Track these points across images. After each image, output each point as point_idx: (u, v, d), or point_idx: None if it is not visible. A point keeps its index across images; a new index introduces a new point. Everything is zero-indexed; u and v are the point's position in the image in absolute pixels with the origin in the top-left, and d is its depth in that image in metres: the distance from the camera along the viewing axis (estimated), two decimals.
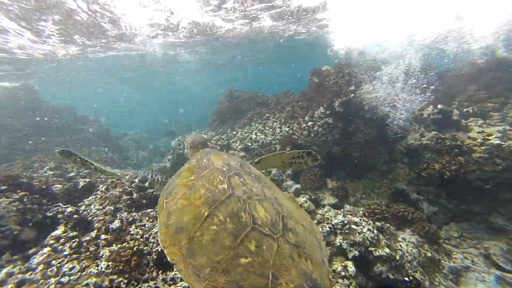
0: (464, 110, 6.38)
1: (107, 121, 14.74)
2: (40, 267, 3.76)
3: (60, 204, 4.81)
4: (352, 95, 7.09)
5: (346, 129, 7.36)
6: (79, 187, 5.44)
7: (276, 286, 1.77)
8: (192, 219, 2.06)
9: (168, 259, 1.92)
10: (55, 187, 5.18)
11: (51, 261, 3.89)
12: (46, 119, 10.77)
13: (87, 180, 5.66)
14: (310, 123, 7.57)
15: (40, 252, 3.99)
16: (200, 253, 1.90)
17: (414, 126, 6.73)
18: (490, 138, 5.43)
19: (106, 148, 11.31)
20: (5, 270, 3.61)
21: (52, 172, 6.86)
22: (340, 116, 7.33)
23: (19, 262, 3.85)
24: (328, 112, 7.48)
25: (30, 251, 4.05)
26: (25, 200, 4.24)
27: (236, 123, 10.30)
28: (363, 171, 7.60)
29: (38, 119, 10.68)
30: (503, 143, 5.24)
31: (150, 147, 16.20)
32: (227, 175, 2.29)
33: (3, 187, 4.19)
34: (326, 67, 8.15)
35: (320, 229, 5.20)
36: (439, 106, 6.41)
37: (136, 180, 3.27)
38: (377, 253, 4.66)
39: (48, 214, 4.53)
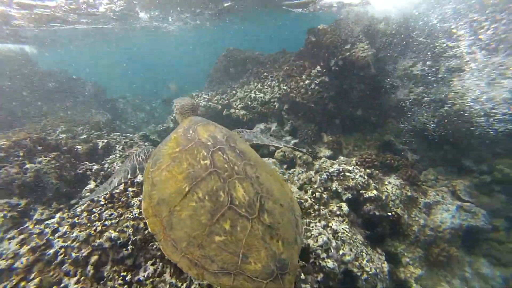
0: (450, 66, 6.87)
1: (101, 84, 14.59)
2: (84, 214, 4.43)
3: (86, 162, 5.35)
4: (348, 53, 7.40)
5: (341, 87, 7.80)
6: (99, 147, 5.93)
7: (245, 265, 1.89)
8: (173, 192, 2.15)
9: (149, 229, 2.09)
10: (77, 148, 5.65)
11: (92, 209, 4.56)
12: (45, 83, 10.73)
13: (105, 141, 6.13)
14: (307, 82, 7.95)
15: (80, 202, 4.64)
16: (178, 227, 2.01)
17: (404, 83, 7.24)
18: (468, 91, 6.04)
19: (108, 114, 11.52)
20: (58, 215, 4.28)
21: (65, 135, 7.23)
22: (336, 74, 7.71)
23: (65, 210, 4.50)
24: (324, 70, 7.83)
25: (71, 202, 4.70)
26: (59, 159, 4.75)
27: (235, 83, 10.55)
28: (356, 126, 8.26)
29: (35, 83, 10.63)
30: (478, 96, 5.88)
31: (147, 108, 16.37)
32: (210, 151, 2.32)
33: (40, 147, 4.65)
34: (322, 25, 8.26)
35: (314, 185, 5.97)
36: (428, 63, 6.86)
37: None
38: (367, 195, 5.52)
39: (79, 171, 5.10)
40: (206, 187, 2.10)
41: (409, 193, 5.77)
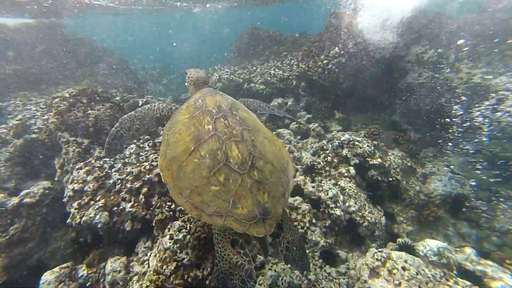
0: (459, 54, 7.45)
1: (123, 53, 15.23)
2: (133, 156, 5.29)
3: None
4: (367, 37, 7.98)
5: (356, 68, 8.44)
6: (139, 105, 6.73)
7: (234, 209, 2.29)
8: (182, 151, 2.58)
9: (163, 180, 2.60)
10: (123, 103, 6.45)
11: (139, 152, 5.42)
12: (77, 48, 11.47)
13: (144, 99, 6.92)
14: (325, 62, 8.58)
15: (129, 147, 5.49)
16: (184, 179, 2.46)
17: (414, 67, 7.85)
18: (472, 78, 6.68)
19: (132, 82, 12.27)
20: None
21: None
22: (352, 56, 8.33)
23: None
24: (342, 52, 8.44)
25: (123, 146, 5.55)
26: (111, 109, 5.56)
27: (256, 60, 11.17)
28: (367, 106, 8.95)
29: (69, 48, 11.36)
30: (481, 82, 6.53)
31: (164, 81, 17.05)
32: (214, 117, 2.67)
33: (98, 98, 5.45)
34: (344, 9, 8.78)
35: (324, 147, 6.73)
36: (439, 50, 7.44)
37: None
38: (372, 162, 6.31)
39: None
40: (207, 147, 2.49)
41: (409, 164, 6.56)
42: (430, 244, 4.47)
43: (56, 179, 5.57)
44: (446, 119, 6.90)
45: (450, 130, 7.03)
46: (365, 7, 8.58)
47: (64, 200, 4.74)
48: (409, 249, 4.54)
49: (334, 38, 8.90)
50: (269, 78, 9.47)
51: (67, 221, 4.47)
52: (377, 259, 4.10)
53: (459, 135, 7.12)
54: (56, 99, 5.07)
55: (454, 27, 8.13)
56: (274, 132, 7.89)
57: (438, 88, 7.19)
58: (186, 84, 3.78)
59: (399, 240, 4.90)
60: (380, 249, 4.33)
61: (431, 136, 7.48)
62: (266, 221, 2.33)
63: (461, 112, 6.69)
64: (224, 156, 2.41)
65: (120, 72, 13.01)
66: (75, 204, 4.54)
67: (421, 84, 7.53)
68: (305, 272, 4.15)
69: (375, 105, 8.76)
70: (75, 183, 4.67)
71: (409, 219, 6.06)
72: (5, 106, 7.18)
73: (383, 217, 5.64)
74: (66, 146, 5.01)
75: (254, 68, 10.12)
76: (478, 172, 6.40)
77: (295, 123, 8.29)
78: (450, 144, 7.04)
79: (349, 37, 8.30)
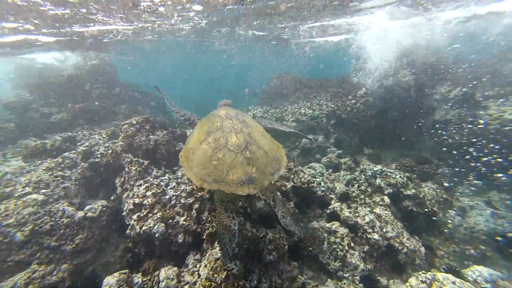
0: (486, 93, 7.86)
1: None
2: (185, 177, 5.90)
3: (180, 143, 6.97)
4: (391, 78, 8.69)
5: (383, 107, 9.01)
6: (187, 135, 7.59)
7: (227, 176, 3.02)
8: (196, 142, 3.50)
9: (180, 163, 3.55)
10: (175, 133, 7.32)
11: None
12: (126, 91, 13.33)
13: (191, 130, 7.79)
14: (353, 101, 9.27)
15: (181, 169, 6.15)
16: (194, 159, 3.32)
17: (441, 105, 8.29)
18: (504, 114, 6.96)
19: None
20: (167, 175, 5.79)
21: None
22: (379, 95, 8.98)
23: (171, 174, 6.03)
24: (369, 92, 9.14)
25: (174, 168, 6.24)
26: (168, 135, 6.40)
27: (286, 101, 12.17)
28: (395, 142, 9.27)
29: (117, 90, 13.18)
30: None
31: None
32: (222, 119, 3.63)
33: (156, 125, 6.36)
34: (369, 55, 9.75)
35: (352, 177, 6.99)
36: (464, 89, 7.91)
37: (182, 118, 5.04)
38: (406, 193, 6.47)
39: (177, 148, 6.69)
40: (213, 136, 3.36)
41: (444, 196, 6.61)
42: (480, 270, 4.37)
43: (112, 198, 6.25)
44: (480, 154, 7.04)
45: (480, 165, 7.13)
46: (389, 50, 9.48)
47: (124, 213, 5.30)
48: (456, 274, 4.47)
49: (360, 80, 9.72)
50: (299, 117, 10.22)
51: (127, 232, 4.95)
52: (421, 281, 4.12)
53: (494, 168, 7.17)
54: (125, 125, 5.99)
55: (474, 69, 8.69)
56: (305, 166, 8.34)
57: (466, 124, 7.48)
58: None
59: (444, 265, 4.84)
60: (423, 272, 4.34)
61: (461, 171, 7.55)
62: (250, 185, 3.01)
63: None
64: (225, 141, 3.25)
65: (160, 113, 14.53)
66: (134, 216, 5.07)
67: (449, 121, 7.86)
68: None
69: (404, 142, 9.06)
70: (136, 198, 5.28)
71: (450, 253, 5.92)
72: (74, 135, 8.36)
73: (422, 247, 5.61)
74: (129, 165, 5.75)
75: (285, 108, 11.00)
76: None
77: (326, 157, 8.70)
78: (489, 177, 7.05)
79: (375, 79, 9.06)
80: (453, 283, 3.85)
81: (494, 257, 5.88)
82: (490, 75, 8.53)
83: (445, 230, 6.15)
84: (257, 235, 4.81)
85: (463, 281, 3.91)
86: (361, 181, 6.84)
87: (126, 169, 5.74)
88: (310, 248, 5.23)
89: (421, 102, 8.61)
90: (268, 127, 4.91)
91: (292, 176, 6.69)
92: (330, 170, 8.51)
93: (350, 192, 6.50)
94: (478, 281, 4.22)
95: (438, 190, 6.74)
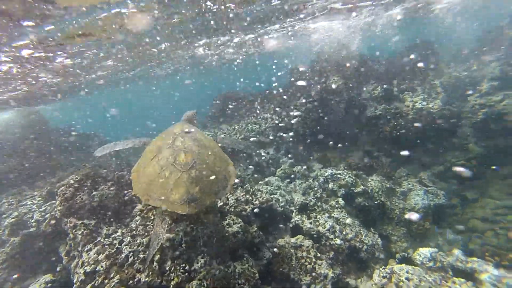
0: (400, 87, 9.01)
1: (103, 133, 15.89)
2: (141, 227, 5.54)
3: (130, 190, 6.54)
4: (324, 85, 9.42)
5: (323, 112, 9.69)
6: None
7: (171, 195, 3.14)
8: (148, 157, 3.67)
9: (131, 177, 3.68)
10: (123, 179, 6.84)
11: (145, 222, 5.69)
12: (59, 139, 11.95)
13: None
14: (294, 111, 9.79)
15: (134, 220, 5.75)
16: (143, 176, 3.48)
17: (370, 102, 9.24)
18: (416, 104, 8.08)
19: (114, 158, 12.72)
20: (120, 230, 5.38)
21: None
22: (317, 102, 9.64)
23: (123, 227, 5.61)
24: (307, 100, 9.75)
25: (126, 221, 5.82)
26: (113, 187, 5.96)
27: (232, 119, 12.27)
28: (339, 142, 10.00)
29: (51, 140, 11.82)
30: (423, 106, 7.94)
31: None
32: (175, 136, 3.72)
33: (99, 179, 5.85)
34: (301, 66, 10.44)
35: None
36: (385, 86, 8.96)
37: None
38: (356, 190, 7.01)
39: (126, 197, 6.27)
40: (163, 154, 3.48)
41: (388, 185, 7.34)
42: (424, 252, 4.98)
43: (58, 269, 5.58)
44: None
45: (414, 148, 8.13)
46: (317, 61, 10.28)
47: (75, 286, 4.77)
48: (408, 261, 5.00)
49: (299, 90, 10.32)
50: (248, 134, 10.42)
51: None
52: (383, 277, 4.51)
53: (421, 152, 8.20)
54: (62, 187, 5.40)
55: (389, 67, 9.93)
56: (262, 181, 8.52)
57: (394, 116, 8.46)
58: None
59: (397, 255, 5.36)
60: (383, 267, 4.75)
61: (399, 158, 8.50)
62: (191, 204, 3.15)
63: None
64: (173, 160, 3.35)
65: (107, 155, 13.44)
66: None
67: (379, 116, 8.80)
68: None
69: (347, 140, 9.84)
70: (87, 265, 4.79)
71: (401, 236, 6.59)
72: None
73: (379, 238, 6.14)
74: (73, 230, 5.20)
75: (233, 127, 11.12)
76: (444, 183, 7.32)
77: (280, 169, 9.01)
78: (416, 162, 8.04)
79: (311, 87, 9.71)
80: (407, 272, 4.31)
81: (432, 228, 6.74)
82: (401, 71, 9.84)
83: (394, 216, 6.82)
84: (226, 272, 4.75)
85: (413, 267, 4.40)
86: (315, 188, 7.23)
87: (71, 235, 5.18)
88: (281, 268, 5.34)
89: (353, 102, 9.47)
90: (225, 146, 4.96)
91: (251, 197, 6.77)
92: (287, 181, 8.82)
93: (307, 202, 6.81)
94: (424, 262, 4.80)
95: (383, 181, 7.44)
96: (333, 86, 9.10)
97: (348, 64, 9.57)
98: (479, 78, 9.33)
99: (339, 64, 9.73)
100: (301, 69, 10.31)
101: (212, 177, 3.43)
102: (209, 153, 3.71)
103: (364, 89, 9.57)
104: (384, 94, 8.98)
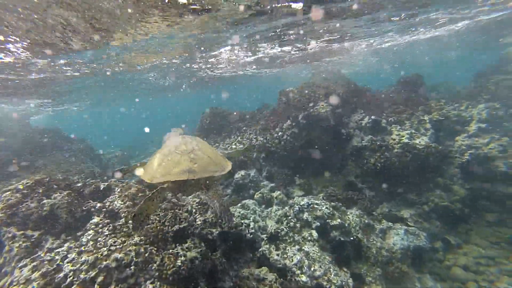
0: (389, 119, 8.83)
1: (90, 140, 15.56)
2: (91, 242, 5.06)
3: (90, 201, 6.11)
4: (312, 110, 9.24)
5: (308, 137, 9.44)
6: (101, 189, 6.72)
7: (173, 169, 3.60)
8: (153, 159, 4.06)
9: (138, 174, 4.09)
10: (83, 189, 6.43)
11: (97, 238, 5.21)
12: (39, 139, 11.52)
13: (106, 184, 6.95)
14: (280, 133, 9.55)
15: (86, 234, 5.28)
16: (150, 167, 3.94)
17: (357, 132, 9.03)
18: (402, 138, 7.85)
19: (96, 166, 12.29)
20: (67, 244, 4.90)
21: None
22: (303, 127, 9.42)
23: (73, 241, 5.12)
24: (294, 123, 9.54)
25: (78, 234, 5.34)
26: (70, 196, 5.53)
27: (218, 136, 11.99)
28: (323, 170, 9.69)
29: (28, 139, 11.40)
30: (409, 141, 7.69)
31: (132, 163, 17.12)
32: (174, 139, 4.31)
33: (55, 186, 5.43)
34: (291, 88, 10.32)
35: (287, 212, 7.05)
36: (373, 117, 8.78)
37: None
38: (332, 223, 6.60)
39: (84, 208, 5.83)
40: (166, 149, 4.01)
41: (366, 221, 6.93)
42: None
43: None
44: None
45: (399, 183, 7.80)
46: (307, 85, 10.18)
47: None
48: None
49: (286, 112, 10.14)
50: (230, 152, 10.09)
51: None
52: None
53: (407, 188, 7.87)
54: (7, 192, 4.98)
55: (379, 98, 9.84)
56: (239, 204, 8.10)
57: (380, 149, 8.21)
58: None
59: None
60: None
61: (383, 192, 8.15)
62: (190, 173, 3.57)
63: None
64: (174, 149, 3.90)
65: (85, 159, 13.02)
66: None
67: (364, 146, 8.55)
68: None
69: (331, 168, 9.53)
70: (14, 286, 4.26)
71: (376, 277, 6.09)
72: None
73: (350, 278, 5.65)
74: (10, 242, 4.72)
75: (217, 144, 10.83)
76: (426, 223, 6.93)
77: (259, 193, 8.61)
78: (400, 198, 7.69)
79: (298, 111, 9.53)
80: None
81: (410, 272, 6.27)
82: (391, 102, 9.74)
83: (370, 256, 6.36)
84: None
85: None
86: (289, 217, 6.81)
87: (6, 248, 4.69)
88: None
89: (340, 130, 9.26)
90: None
91: (220, 220, 6.34)
92: (263, 206, 8.39)
93: (279, 231, 6.37)
94: None
95: (362, 215, 7.04)
96: (321, 111, 8.92)
97: (337, 90, 9.46)
98: (468, 118, 9.22)
99: (329, 90, 9.63)
100: (290, 90, 10.18)
101: (209, 161, 3.87)
102: (207, 148, 4.27)
103: (352, 118, 9.40)
104: (372, 125, 8.80)
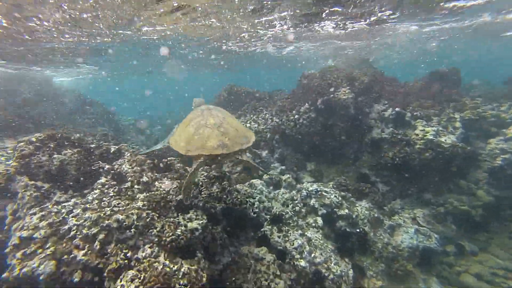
0: (414, 113, 8.24)
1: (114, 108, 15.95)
2: (96, 201, 5.15)
3: (99, 162, 6.18)
4: (332, 95, 8.79)
5: (325, 123, 9.05)
6: (111, 152, 6.79)
7: (206, 143, 3.88)
8: (183, 128, 4.49)
9: (170, 145, 4.44)
10: (93, 149, 6.51)
11: (102, 198, 5.29)
12: (61, 100, 11.86)
13: (116, 147, 7.01)
14: (296, 116, 9.21)
15: (92, 192, 5.38)
16: (181, 138, 4.26)
17: (378, 123, 8.53)
18: (427, 135, 7.30)
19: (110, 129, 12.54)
20: (73, 200, 5.00)
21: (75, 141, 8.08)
22: (321, 112, 9.01)
23: (79, 198, 5.23)
24: (312, 108, 9.15)
25: (85, 191, 5.44)
26: (79, 154, 5.60)
27: (233, 114, 11.81)
28: (337, 158, 9.34)
29: (50, 99, 11.73)
30: (434, 138, 7.14)
31: (147, 132, 17.42)
32: (203, 110, 4.67)
33: (66, 143, 5.51)
34: (313, 71, 9.82)
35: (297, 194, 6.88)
36: (397, 109, 8.22)
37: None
38: (340, 213, 6.37)
39: (93, 168, 5.90)
40: (196, 121, 4.33)
41: (375, 215, 6.64)
42: None
43: (5, 227, 5.25)
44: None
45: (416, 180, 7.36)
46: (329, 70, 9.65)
47: (7, 250, 4.39)
48: None
49: (305, 95, 9.73)
50: None
51: (2, 276, 4.04)
52: None
53: (424, 187, 7.42)
54: (22, 143, 5.10)
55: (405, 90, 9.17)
56: (247, 182, 7.99)
57: (399, 142, 7.73)
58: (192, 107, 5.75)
59: None
60: None
61: (397, 188, 7.75)
62: (223, 148, 3.85)
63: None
64: (204, 122, 4.20)
65: (104, 123, 13.32)
66: (18, 254, 4.21)
67: (384, 139, 8.09)
68: None
69: (345, 158, 9.16)
70: (24, 230, 4.42)
71: (378, 273, 5.89)
72: None
73: (351, 270, 5.48)
74: (23, 190, 4.87)
75: None
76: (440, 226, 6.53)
77: (267, 174, 8.45)
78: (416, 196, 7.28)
79: (318, 95, 9.10)
80: None
81: (416, 272, 6.00)
82: (418, 96, 9.06)
83: (375, 250, 6.13)
84: (169, 269, 4.26)
85: None
86: (296, 201, 6.63)
87: (20, 195, 4.84)
88: (234, 278, 4.81)
89: (360, 120, 8.79)
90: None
91: (224, 196, 6.27)
92: (271, 188, 8.25)
93: (284, 214, 6.23)
94: None
95: (371, 209, 6.75)
96: (342, 97, 8.45)
97: (361, 78, 8.90)
98: (508, 120, 8.39)
99: (352, 76, 9.07)
100: (311, 72, 9.70)
101: (237, 133, 4.16)
102: (232, 119, 4.56)
103: (375, 107, 8.86)
104: (395, 117, 8.26)
